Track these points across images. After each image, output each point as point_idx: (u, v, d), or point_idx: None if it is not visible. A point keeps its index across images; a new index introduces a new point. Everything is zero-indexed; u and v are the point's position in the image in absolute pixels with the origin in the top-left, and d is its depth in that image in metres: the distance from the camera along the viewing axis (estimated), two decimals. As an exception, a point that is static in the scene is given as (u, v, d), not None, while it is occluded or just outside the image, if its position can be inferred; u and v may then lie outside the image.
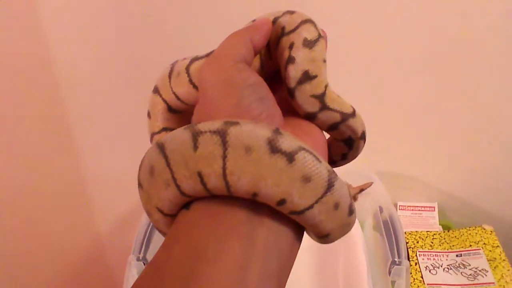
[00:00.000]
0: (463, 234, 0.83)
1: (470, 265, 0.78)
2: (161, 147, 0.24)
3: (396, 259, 0.68)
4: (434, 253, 0.80)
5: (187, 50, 0.79)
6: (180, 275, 0.22)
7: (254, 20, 0.32)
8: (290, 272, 0.25)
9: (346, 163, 0.36)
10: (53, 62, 0.82)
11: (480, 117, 0.84)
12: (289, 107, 0.31)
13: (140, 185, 0.27)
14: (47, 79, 0.84)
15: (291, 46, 0.29)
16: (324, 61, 0.30)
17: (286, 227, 0.25)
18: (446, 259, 0.79)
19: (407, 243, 0.82)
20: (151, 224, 0.75)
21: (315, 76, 0.29)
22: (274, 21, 0.31)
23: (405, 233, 0.83)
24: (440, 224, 0.89)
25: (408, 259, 0.76)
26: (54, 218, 1.00)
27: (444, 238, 0.83)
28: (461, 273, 0.77)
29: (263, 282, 0.23)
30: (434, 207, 0.91)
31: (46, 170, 0.94)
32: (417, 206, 0.91)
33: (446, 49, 0.78)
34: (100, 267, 1.09)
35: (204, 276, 0.21)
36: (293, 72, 0.29)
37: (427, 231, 0.84)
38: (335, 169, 0.26)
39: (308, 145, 0.24)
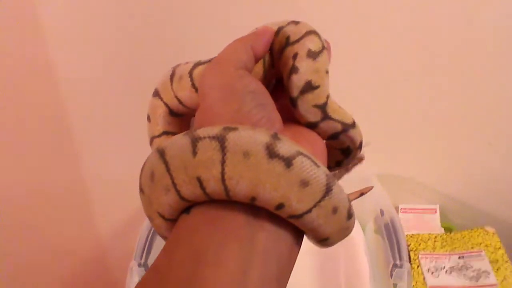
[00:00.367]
0: (465, 236, 0.83)
1: (472, 267, 0.77)
2: (161, 153, 0.25)
3: (397, 262, 0.68)
4: (436, 256, 0.80)
5: (187, 52, 0.80)
6: (181, 278, 0.22)
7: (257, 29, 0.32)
8: (290, 275, 0.25)
9: (339, 170, 0.36)
10: (53, 63, 0.82)
11: (481, 119, 0.84)
12: (290, 116, 0.31)
13: (141, 190, 0.27)
14: (48, 81, 0.84)
15: (295, 56, 0.30)
16: (327, 72, 0.30)
17: (286, 231, 0.25)
18: (448, 261, 0.79)
19: (409, 245, 0.82)
20: (153, 229, 0.75)
21: (317, 87, 0.30)
22: (279, 31, 0.31)
23: (407, 235, 0.83)
24: (442, 226, 0.89)
25: (410, 261, 0.76)
26: (55, 222, 1.00)
27: (446, 240, 0.83)
28: (463, 275, 0.76)
29: (264, 285, 0.23)
30: (435, 209, 0.91)
31: (47, 174, 0.95)
32: (419, 209, 0.91)
33: (445, 51, 0.78)
34: (101, 273, 1.09)
35: (205, 280, 0.21)
36: (296, 82, 0.29)
37: (428, 234, 0.84)
38: None
39: (306, 150, 0.24)
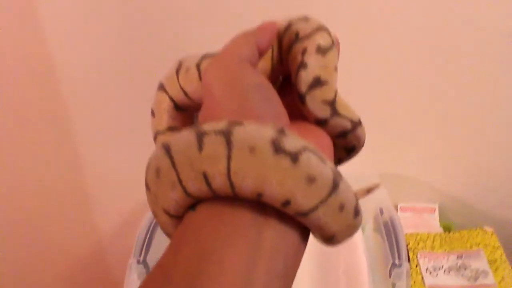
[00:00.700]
0: (463, 236, 0.83)
1: (470, 266, 0.78)
2: (166, 148, 0.25)
3: (396, 261, 0.68)
4: (434, 255, 0.80)
5: (189, 49, 0.79)
6: (187, 275, 0.22)
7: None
8: (296, 273, 0.25)
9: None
10: (54, 62, 0.82)
11: (481, 118, 0.84)
12: (296, 113, 0.31)
13: (147, 187, 0.27)
14: (48, 79, 0.84)
15: (303, 52, 0.29)
16: (336, 68, 0.30)
17: (292, 228, 0.24)
18: (447, 261, 0.79)
19: (407, 244, 0.82)
20: (152, 226, 0.75)
21: (326, 82, 0.29)
22: (289, 27, 0.31)
23: (406, 234, 0.83)
24: (440, 226, 0.89)
25: (409, 261, 0.76)
26: (55, 220, 1.00)
27: (445, 240, 0.83)
28: (461, 274, 0.77)
29: (270, 283, 0.23)
30: (434, 208, 0.91)
31: (46, 172, 0.94)
32: (418, 208, 0.91)
33: (447, 51, 0.78)
34: (101, 270, 1.09)
35: (211, 277, 0.21)
36: (305, 77, 0.29)
37: (427, 233, 0.84)
38: None
39: (313, 145, 0.24)
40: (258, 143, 0.23)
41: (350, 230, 0.26)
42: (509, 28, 0.74)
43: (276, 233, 0.24)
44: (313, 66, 0.29)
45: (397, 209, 0.91)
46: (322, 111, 0.30)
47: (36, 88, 0.85)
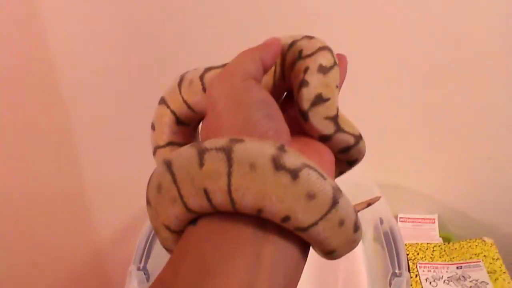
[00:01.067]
0: (463, 247, 0.83)
1: (470, 277, 0.78)
2: (168, 164, 0.25)
3: (396, 271, 0.68)
4: (434, 265, 0.80)
5: (192, 54, 0.80)
6: None
7: None
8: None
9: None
10: (56, 68, 0.83)
11: (480, 130, 0.84)
12: (298, 128, 0.31)
13: (148, 202, 0.27)
14: (49, 87, 0.84)
15: (305, 70, 0.30)
16: (337, 87, 0.30)
17: (292, 244, 0.25)
18: (447, 271, 0.79)
19: (407, 255, 0.82)
20: (152, 233, 0.75)
21: (328, 99, 0.30)
22: (292, 44, 0.32)
23: (406, 245, 0.83)
24: (440, 236, 0.89)
25: (409, 271, 0.76)
26: (54, 227, 1.00)
27: (445, 250, 0.83)
28: (461, 285, 0.77)
29: None
30: (434, 219, 0.91)
31: (47, 178, 0.95)
32: (418, 218, 0.91)
33: (446, 61, 0.78)
34: (101, 277, 1.09)
35: None
36: (307, 95, 0.29)
37: (427, 243, 0.84)
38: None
39: (313, 162, 0.24)
40: (258, 160, 0.23)
41: (350, 245, 0.26)
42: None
43: (276, 248, 0.24)
44: (314, 84, 0.29)
45: (397, 220, 0.91)
46: (326, 128, 0.30)
47: (37, 95, 0.86)
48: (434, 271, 0.79)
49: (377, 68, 0.80)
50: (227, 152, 0.23)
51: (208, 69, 0.33)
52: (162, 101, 0.35)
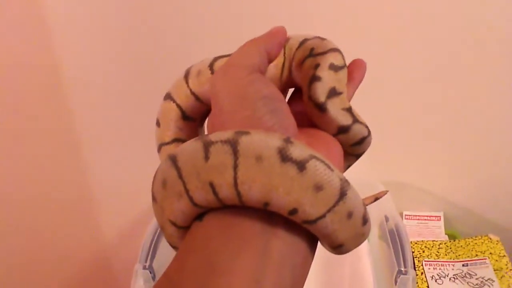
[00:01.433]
0: (469, 244, 0.83)
1: (476, 274, 0.77)
2: (173, 160, 0.25)
3: (402, 269, 0.67)
4: (440, 263, 0.80)
5: (195, 55, 0.80)
6: (194, 287, 0.22)
7: None
8: (304, 283, 0.25)
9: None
10: (61, 70, 0.83)
11: (486, 127, 0.84)
12: (306, 122, 0.31)
13: (153, 198, 0.27)
14: (53, 87, 0.84)
15: (316, 66, 0.30)
16: (345, 85, 0.31)
17: (300, 238, 0.24)
18: (452, 269, 0.79)
19: (413, 252, 0.82)
20: (158, 232, 0.75)
21: (341, 93, 0.30)
22: (304, 42, 0.32)
23: (411, 242, 0.83)
24: (446, 234, 0.89)
25: (414, 268, 0.76)
26: (60, 226, 1.00)
27: (450, 248, 0.83)
28: (467, 283, 0.76)
29: None
30: (440, 216, 0.91)
31: (53, 178, 0.95)
32: (423, 216, 0.91)
33: (453, 58, 0.78)
34: (106, 276, 1.09)
35: None
36: (321, 88, 0.29)
37: (433, 241, 0.84)
38: None
39: (321, 154, 0.24)
40: (264, 152, 0.23)
41: (359, 238, 0.26)
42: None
43: (283, 243, 0.24)
44: (327, 79, 0.29)
45: (402, 218, 0.90)
46: (344, 118, 0.30)
47: (41, 94, 0.86)
48: (439, 269, 0.79)
49: (382, 65, 0.80)
50: (233, 145, 0.23)
51: (217, 58, 0.33)
52: (168, 97, 0.34)
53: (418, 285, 0.77)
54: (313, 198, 0.23)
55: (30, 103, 0.86)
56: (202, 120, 0.35)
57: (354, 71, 0.33)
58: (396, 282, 0.67)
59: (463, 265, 0.79)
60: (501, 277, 0.76)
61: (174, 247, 0.28)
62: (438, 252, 0.82)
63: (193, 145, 0.24)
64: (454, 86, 0.81)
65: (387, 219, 0.77)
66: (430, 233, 0.88)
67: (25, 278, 1.05)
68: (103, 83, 0.86)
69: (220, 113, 0.27)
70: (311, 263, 0.26)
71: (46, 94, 0.86)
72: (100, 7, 0.78)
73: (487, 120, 0.83)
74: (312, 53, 0.31)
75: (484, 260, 0.79)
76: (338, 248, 0.26)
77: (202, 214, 0.25)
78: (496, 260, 0.79)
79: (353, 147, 0.32)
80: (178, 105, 0.33)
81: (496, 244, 0.82)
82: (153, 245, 0.73)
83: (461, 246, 0.83)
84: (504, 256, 0.79)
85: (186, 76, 0.33)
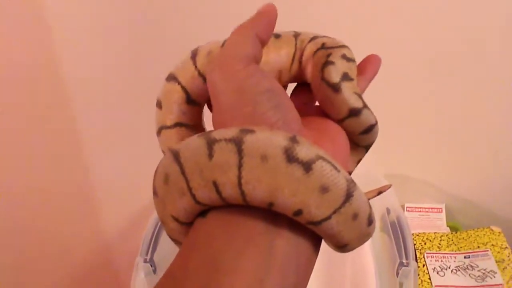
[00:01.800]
0: (471, 236, 0.83)
1: (478, 266, 0.77)
2: (175, 155, 0.24)
3: (404, 261, 0.67)
4: (442, 255, 0.80)
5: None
6: (197, 285, 0.21)
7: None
8: (307, 283, 0.25)
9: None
10: (61, 70, 0.82)
11: (488, 119, 0.83)
12: (310, 112, 0.31)
13: (155, 193, 0.26)
14: (55, 83, 0.84)
15: (328, 55, 0.30)
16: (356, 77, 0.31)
17: (304, 238, 0.24)
18: (454, 261, 0.79)
19: (414, 244, 0.81)
20: (158, 225, 0.75)
21: (352, 79, 0.30)
22: (315, 38, 0.32)
23: (413, 234, 0.82)
24: (447, 226, 0.88)
25: (416, 260, 0.76)
26: (61, 220, 1.01)
27: (452, 240, 0.83)
28: (469, 274, 0.76)
29: None
30: (441, 208, 0.91)
31: (53, 172, 0.95)
32: (425, 208, 0.91)
33: (456, 52, 0.78)
34: (107, 269, 1.10)
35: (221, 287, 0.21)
36: (335, 71, 0.29)
37: (434, 233, 0.84)
38: None
39: (327, 152, 0.23)
40: (270, 152, 0.22)
41: (363, 238, 0.26)
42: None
43: (287, 243, 0.23)
44: (340, 64, 0.29)
45: (404, 210, 0.90)
46: (356, 101, 0.29)
47: (43, 94, 0.86)
48: (441, 261, 0.79)
49: (384, 59, 0.79)
50: (238, 143, 0.22)
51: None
52: (172, 78, 0.32)
53: (419, 277, 0.77)
54: (319, 199, 0.22)
55: (30, 103, 0.86)
56: (207, 104, 0.34)
57: (368, 65, 0.33)
58: (397, 274, 0.67)
59: (465, 257, 0.79)
60: (503, 269, 0.76)
61: (174, 240, 0.28)
62: (440, 244, 0.82)
63: (196, 142, 0.23)
64: (455, 80, 0.80)
65: (388, 211, 0.77)
66: (432, 225, 0.88)
67: (26, 272, 1.05)
68: (104, 82, 0.86)
69: (222, 110, 0.26)
70: (315, 263, 0.25)
71: (46, 93, 0.86)
72: (100, 7, 0.78)
73: (489, 113, 0.83)
74: (324, 46, 0.31)
75: (486, 252, 0.79)
76: (342, 247, 0.26)
77: (205, 211, 0.25)
78: (498, 252, 0.79)
79: (361, 136, 0.31)
80: (183, 87, 0.32)
81: (498, 235, 0.82)
82: (154, 238, 0.73)
83: (463, 238, 0.83)
84: (506, 247, 0.79)
85: (194, 57, 0.32)
